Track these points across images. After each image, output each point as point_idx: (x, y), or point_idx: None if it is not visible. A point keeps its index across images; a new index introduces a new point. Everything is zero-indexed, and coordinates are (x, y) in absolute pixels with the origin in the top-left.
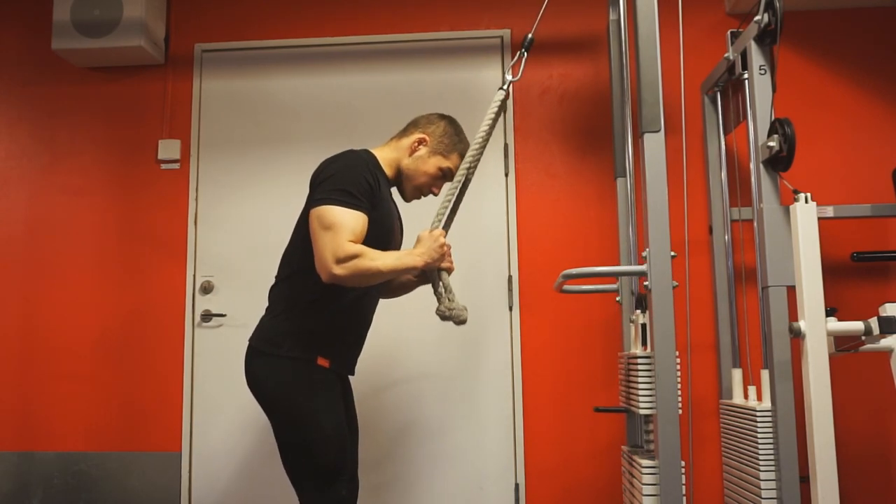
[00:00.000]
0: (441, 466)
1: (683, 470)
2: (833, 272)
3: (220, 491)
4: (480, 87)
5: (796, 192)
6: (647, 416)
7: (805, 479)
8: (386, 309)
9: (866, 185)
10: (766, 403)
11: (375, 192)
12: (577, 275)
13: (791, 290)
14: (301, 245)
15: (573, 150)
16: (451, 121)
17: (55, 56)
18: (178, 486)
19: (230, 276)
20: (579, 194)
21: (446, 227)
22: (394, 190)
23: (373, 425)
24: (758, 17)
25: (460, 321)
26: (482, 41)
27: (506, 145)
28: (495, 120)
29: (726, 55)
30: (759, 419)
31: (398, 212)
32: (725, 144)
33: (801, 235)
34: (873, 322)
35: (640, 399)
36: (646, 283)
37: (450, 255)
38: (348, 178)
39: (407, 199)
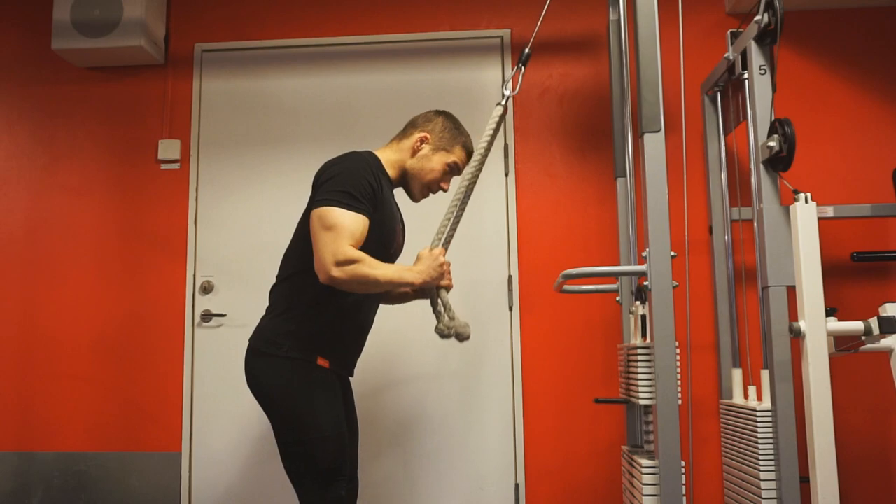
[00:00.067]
0: (441, 466)
1: (683, 470)
2: (833, 272)
3: (220, 491)
4: (480, 87)
5: (796, 192)
6: (646, 407)
7: (805, 479)
8: (387, 309)
9: (866, 185)
10: (766, 403)
11: (377, 193)
12: (577, 275)
13: (791, 290)
14: (302, 246)
15: (573, 150)
16: (447, 115)
17: (55, 56)
18: (178, 486)
19: (230, 276)
20: (579, 194)
21: (446, 244)
22: (398, 191)
23: (373, 425)
24: (758, 17)
25: (463, 338)
26: (482, 41)
27: (506, 145)
28: (494, 136)
29: (726, 55)
30: (759, 419)
31: (400, 214)
32: (725, 144)
33: (801, 235)
34: (873, 322)
35: (640, 390)
36: (646, 283)
37: (449, 274)
38: (350, 180)
39: (416, 198)
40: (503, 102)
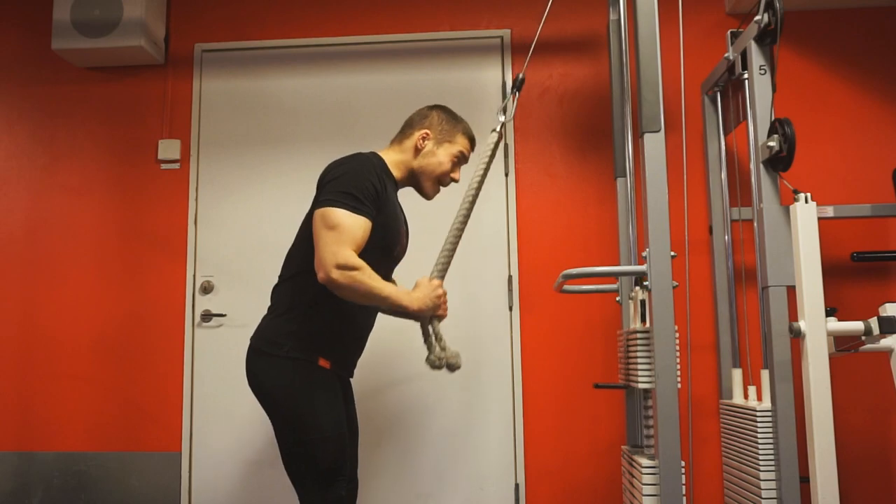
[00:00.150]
0: (441, 466)
1: (683, 470)
2: (833, 272)
3: (220, 491)
4: (480, 87)
5: (796, 192)
6: (646, 392)
7: (805, 479)
8: None
9: (866, 185)
10: (766, 403)
11: (381, 195)
12: (577, 275)
13: (791, 290)
14: (305, 246)
15: (573, 150)
16: (441, 108)
17: (55, 56)
18: (178, 486)
19: (230, 276)
20: (579, 194)
21: (442, 275)
22: (402, 193)
23: (372, 425)
24: (758, 17)
25: (454, 368)
26: (482, 41)
27: (506, 145)
28: (489, 164)
29: (726, 55)
30: (759, 419)
31: (404, 216)
32: (725, 144)
33: (801, 235)
34: (873, 322)
35: (640, 374)
36: (646, 283)
37: (445, 304)
38: (354, 182)
39: (429, 195)
40: (498, 129)
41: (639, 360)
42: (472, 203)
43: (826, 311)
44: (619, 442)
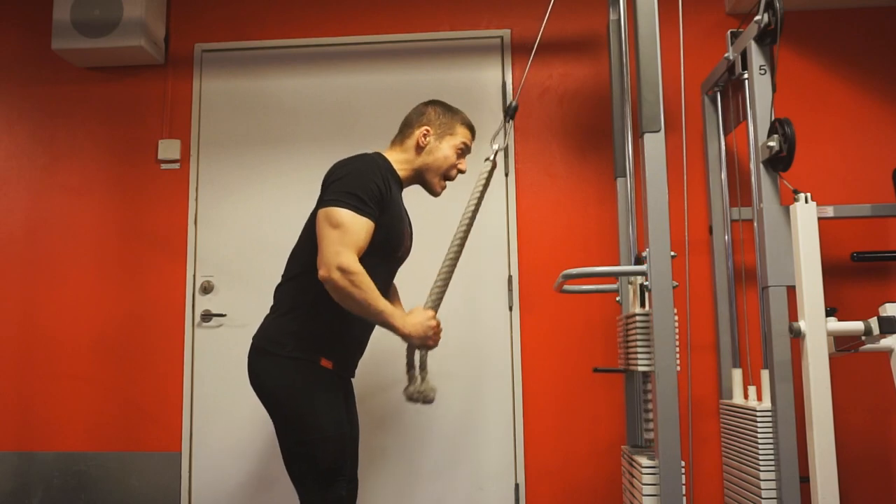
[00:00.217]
0: (441, 466)
1: (683, 470)
2: (833, 272)
3: (220, 491)
4: (480, 87)
5: (796, 192)
6: (645, 376)
7: (805, 479)
8: None
9: (866, 185)
10: (766, 403)
11: (385, 196)
12: (577, 275)
13: (791, 290)
14: (309, 245)
15: (573, 150)
16: (436, 102)
17: (55, 56)
18: (178, 486)
19: (230, 276)
20: (579, 194)
21: (436, 306)
22: (406, 193)
23: (373, 425)
24: (758, 17)
25: (429, 401)
26: (482, 41)
27: (506, 145)
28: (483, 194)
29: (726, 55)
30: (759, 419)
31: (409, 217)
32: (725, 144)
33: (801, 235)
34: (873, 322)
35: (639, 357)
36: (646, 283)
37: (437, 335)
38: (358, 182)
39: (437, 191)
40: (492, 157)
41: (638, 344)
42: (466, 234)
43: (826, 311)
44: (619, 442)
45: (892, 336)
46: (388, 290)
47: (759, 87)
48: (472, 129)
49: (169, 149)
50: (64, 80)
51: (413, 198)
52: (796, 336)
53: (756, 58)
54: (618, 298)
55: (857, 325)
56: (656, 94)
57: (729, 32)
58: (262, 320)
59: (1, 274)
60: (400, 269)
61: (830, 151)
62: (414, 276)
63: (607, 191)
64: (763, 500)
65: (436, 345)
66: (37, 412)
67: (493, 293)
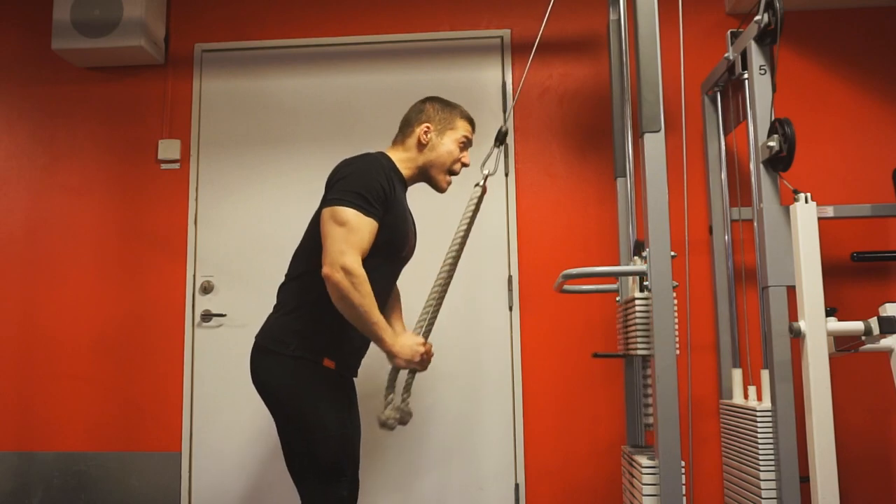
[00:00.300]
0: (441, 466)
1: (683, 470)
2: (833, 272)
3: (220, 491)
4: (480, 87)
5: (796, 192)
6: (644, 361)
7: (805, 479)
8: None
9: (866, 185)
10: (766, 403)
11: (389, 196)
12: (577, 275)
13: (791, 290)
14: (312, 245)
15: (573, 150)
16: (433, 99)
17: (55, 56)
18: (178, 486)
19: (230, 276)
20: (579, 194)
21: (426, 333)
22: (414, 191)
23: (374, 425)
24: (758, 17)
25: (402, 424)
26: (482, 41)
27: (506, 145)
28: (472, 219)
29: (726, 55)
30: (759, 419)
31: (412, 217)
32: (725, 144)
33: (801, 235)
34: (873, 322)
35: (639, 341)
36: (646, 282)
37: (425, 361)
38: (363, 182)
39: (442, 187)
40: (482, 183)
41: (638, 327)
42: (456, 259)
43: (826, 311)
44: (619, 442)
45: (892, 336)
46: (391, 292)
47: (759, 87)
48: (471, 121)
49: (169, 149)
50: (64, 80)
51: (414, 198)
52: (796, 336)
53: (756, 58)
54: (618, 298)
55: (857, 325)
56: (656, 94)
57: (729, 32)
58: (261, 320)
59: (1, 274)
60: (403, 270)
61: (830, 151)
62: (416, 276)
63: (607, 191)
64: (763, 500)
65: (423, 369)
66: (37, 412)
67: (493, 293)
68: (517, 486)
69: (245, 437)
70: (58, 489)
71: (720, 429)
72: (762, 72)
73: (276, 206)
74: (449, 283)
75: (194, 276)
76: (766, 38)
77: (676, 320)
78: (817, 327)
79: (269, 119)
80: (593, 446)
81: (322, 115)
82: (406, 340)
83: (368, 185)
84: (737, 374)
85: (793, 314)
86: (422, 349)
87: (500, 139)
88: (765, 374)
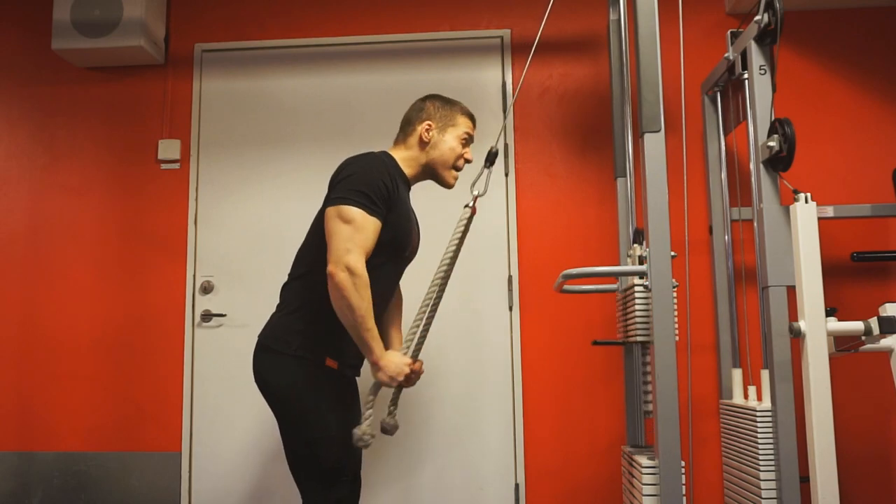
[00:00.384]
0: (441, 466)
1: (683, 470)
2: (833, 272)
3: (220, 491)
4: (480, 87)
5: (796, 192)
6: (644, 347)
7: (805, 479)
8: None
9: (866, 185)
10: (766, 403)
11: (392, 194)
12: (577, 275)
13: (791, 290)
14: (315, 244)
15: (573, 150)
16: (433, 96)
17: (55, 56)
18: (178, 486)
19: (230, 276)
20: (579, 194)
21: (415, 354)
22: (416, 191)
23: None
24: (758, 17)
25: (387, 434)
26: (482, 41)
27: (506, 145)
28: (461, 240)
29: (726, 55)
30: (759, 419)
31: (416, 217)
32: (725, 144)
33: (801, 235)
34: (873, 322)
35: (638, 328)
36: (646, 282)
37: (410, 378)
38: (366, 180)
39: (449, 183)
40: (472, 204)
41: (637, 314)
42: (446, 279)
43: (826, 311)
44: (619, 442)
45: (892, 336)
46: (394, 292)
47: (759, 87)
48: (472, 118)
49: (169, 149)
50: (64, 80)
51: (416, 198)
52: (796, 336)
53: (756, 58)
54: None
55: (857, 325)
56: (656, 94)
57: (729, 32)
58: (262, 320)
59: (1, 274)
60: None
61: (830, 151)
62: (419, 277)
63: (607, 191)
64: (763, 500)
65: (408, 385)
66: (37, 412)
67: (493, 293)
68: (517, 486)
69: (245, 437)
70: (58, 489)
71: (720, 429)
72: (762, 72)
73: (276, 206)
74: (438, 303)
75: (194, 276)
76: (766, 38)
77: (676, 320)
78: (817, 327)
79: (269, 119)
80: (593, 446)
81: (322, 115)
82: (393, 357)
83: (372, 183)
84: (737, 374)
85: (793, 314)
86: (407, 369)
87: (491, 160)
88: (765, 374)
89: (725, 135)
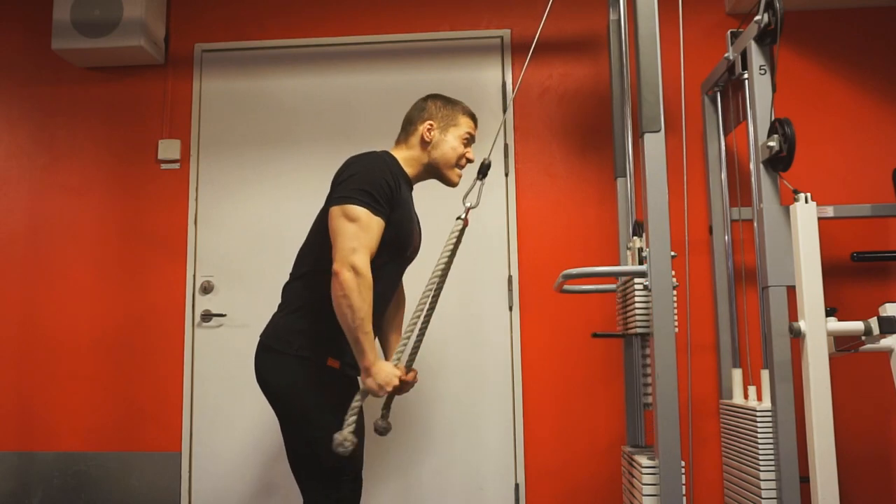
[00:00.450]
0: (441, 466)
1: (683, 470)
2: (833, 272)
3: (220, 491)
4: (480, 87)
5: (796, 192)
6: (643, 339)
7: (805, 479)
8: None
9: (866, 185)
10: (766, 403)
11: (395, 195)
12: (577, 275)
13: (791, 290)
14: (318, 243)
15: (573, 150)
16: (434, 96)
17: (55, 56)
18: (178, 486)
19: (230, 276)
20: (579, 194)
21: (409, 365)
22: (418, 190)
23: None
24: (758, 17)
25: (381, 435)
26: (482, 41)
27: (506, 145)
28: (453, 252)
29: (726, 55)
30: (759, 419)
31: (417, 216)
32: (725, 144)
33: (801, 235)
34: (873, 322)
35: (638, 320)
36: (646, 282)
37: (407, 387)
38: (370, 180)
39: (453, 182)
40: (463, 216)
41: (637, 306)
42: (438, 292)
43: (826, 311)
44: (619, 442)
45: (892, 336)
46: (395, 292)
47: (759, 87)
48: (474, 118)
49: (169, 149)
50: (64, 80)
51: (418, 198)
52: (796, 336)
53: (756, 58)
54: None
55: (857, 325)
56: (656, 95)
57: (729, 32)
58: (262, 320)
59: (1, 274)
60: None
61: (830, 151)
62: (421, 277)
63: (607, 191)
64: (763, 500)
65: (400, 393)
66: (37, 412)
67: (493, 293)
68: (517, 486)
69: (245, 437)
70: (58, 489)
71: (720, 429)
72: (762, 72)
73: (276, 206)
74: (431, 314)
75: (194, 276)
76: (766, 38)
77: (676, 320)
78: (817, 327)
79: (269, 119)
80: (593, 446)
81: (322, 115)
82: (385, 366)
83: (376, 183)
84: (737, 374)
85: (793, 314)
86: (397, 381)
87: (483, 172)
88: (765, 374)
89: (725, 135)
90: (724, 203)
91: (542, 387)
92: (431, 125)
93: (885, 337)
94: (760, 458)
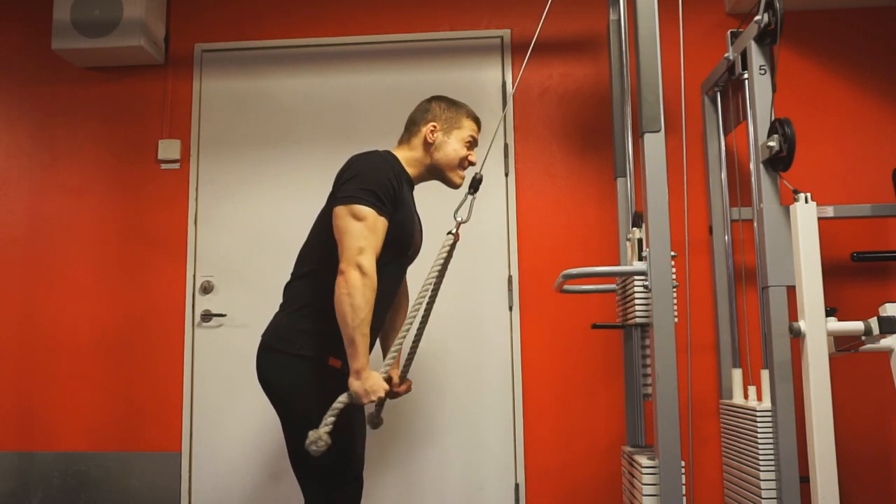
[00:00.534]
0: (441, 466)
1: (683, 470)
2: (833, 272)
3: (220, 491)
4: (480, 87)
5: (796, 192)
6: (643, 330)
7: (805, 479)
8: None
9: (866, 185)
10: (766, 403)
11: (398, 194)
12: (577, 275)
13: (791, 290)
14: (319, 243)
15: (573, 150)
16: (438, 98)
17: (55, 56)
18: (178, 486)
19: (230, 276)
20: (579, 194)
21: (404, 373)
22: (419, 190)
23: None
24: (758, 17)
25: (373, 428)
26: (482, 41)
27: (506, 145)
28: (444, 266)
29: (726, 55)
30: (759, 419)
31: (418, 217)
32: (725, 144)
33: (801, 235)
34: (873, 322)
35: (637, 311)
36: (646, 282)
37: (394, 394)
38: (374, 179)
39: (456, 183)
40: (454, 231)
41: (636, 296)
42: (430, 307)
43: (826, 311)
44: (619, 442)
45: (892, 336)
46: (397, 290)
47: (759, 87)
48: (477, 121)
49: (169, 149)
50: (64, 80)
51: (420, 197)
52: (796, 336)
53: (756, 58)
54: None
55: (857, 325)
56: (656, 95)
57: (729, 32)
58: (262, 320)
59: (1, 274)
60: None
61: (830, 151)
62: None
63: (607, 191)
64: (763, 500)
65: (392, 398)
66: (37, 412)
67: (493, 293)
68: (517, 486)
69: (245, 437)
70: (58, 489)
71: (720, 429)
72: (762, 72)
73: (275, 206)
74: (422, 331)
75: (194, 276)
76: (766, 38)
77: (676, 320)
78: (817, 327)
79: (269, 119)
80: (593, 446)
81: (322, 115)
82: (373, 376)
83: (380, 182)
84: (737, 374)
85: (793, 314)
86: (382, 393)
87: (475, 186)
88: (765, 374)
89: (725, 135)
90: (724, 203)
91: (542, 387)
92: (435, 127)
93: (885, 337)
94: (760, 458)
